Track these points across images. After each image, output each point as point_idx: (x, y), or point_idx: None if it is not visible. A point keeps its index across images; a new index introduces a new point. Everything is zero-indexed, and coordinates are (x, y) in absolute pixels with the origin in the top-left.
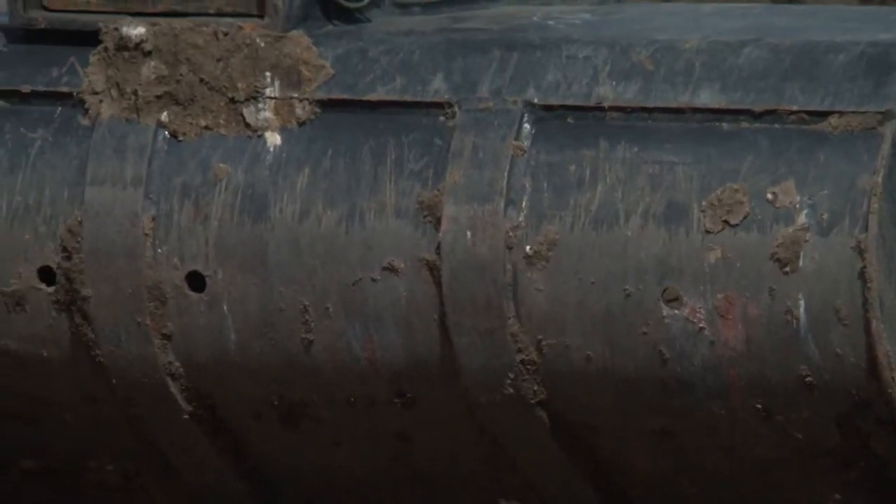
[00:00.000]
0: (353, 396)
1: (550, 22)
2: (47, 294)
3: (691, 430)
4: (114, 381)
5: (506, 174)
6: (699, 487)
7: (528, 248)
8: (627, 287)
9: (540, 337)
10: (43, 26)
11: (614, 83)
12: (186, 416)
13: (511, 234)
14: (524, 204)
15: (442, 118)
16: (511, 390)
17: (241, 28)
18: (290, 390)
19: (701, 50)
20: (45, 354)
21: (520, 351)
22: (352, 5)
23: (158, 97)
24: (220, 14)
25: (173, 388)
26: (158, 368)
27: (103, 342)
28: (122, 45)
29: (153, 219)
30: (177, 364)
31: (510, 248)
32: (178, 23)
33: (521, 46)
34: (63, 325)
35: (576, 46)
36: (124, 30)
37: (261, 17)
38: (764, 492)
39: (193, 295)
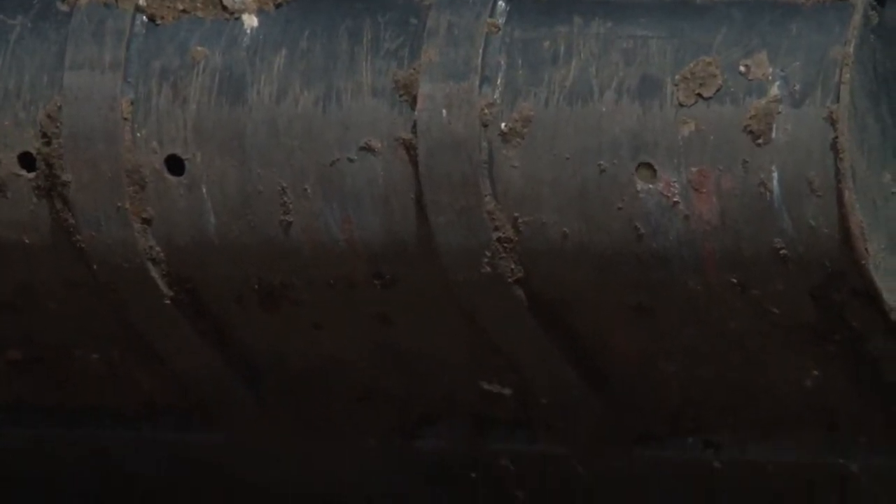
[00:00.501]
0: (332, 278)
1: None
2: (28, 180)
3: (668, 305)
4: (94, 266)
5: (480, 52)
6: (678, 365)
7: (503, 125)
8: (602, 162)
9: (516, 214)
10: None
11: None
12: (168, 301)
13: (486, 111)
14: (499, 81)
15: None
16: (488, 269)
17: None
18: (269, 273)
19: None
20: (27, 241)
21: (496, 229)
22: None
23: None
24: None
25: (154, 272)
26: (139, 253)
27: (83, 227)
28: None
29: (132, 102)
30: (157, 248)
31: (486, 126)
32: None
33: None
34: (44, 211)
35: None
36: None
37: None
38: (742, 368)
39: (172, 178)
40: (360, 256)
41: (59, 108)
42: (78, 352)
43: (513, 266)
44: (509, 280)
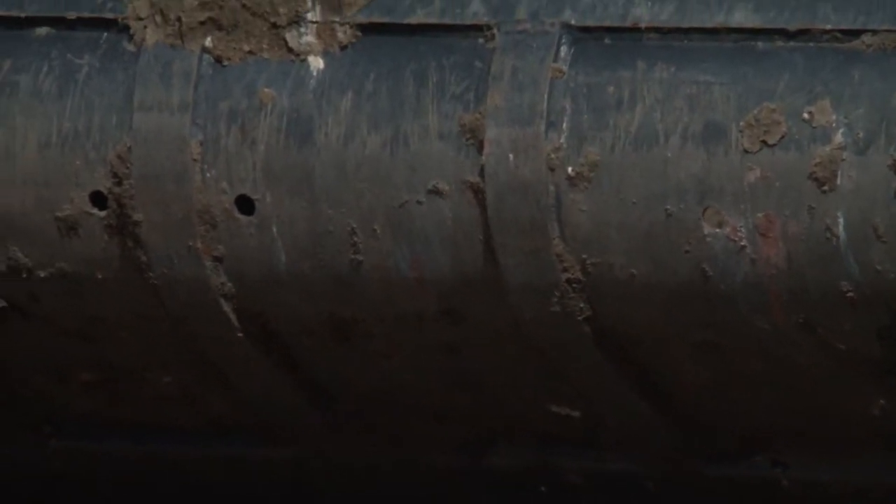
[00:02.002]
0: (402, 313)
1: None
2: (99, 219)
3: (735, 342)
4: (167, 301)
5: (545, 97)
6: (745, 393)
7: (570, 169)
8: (668, 207)
9: (584, 256)
10: None
11: (649, 4)
12: (240, 334)
13: (553, 155)
14: (565, 126)
15: (481, 40)
16: (557, 308)
17: None
18: (340, 308)
19: None
20: (99, 276)
21: (565, 270)
22: None
23: (202, 23)
24: None
25: (226, 307)
26: (211, 289)
27: (156, 265)
28: None
29: (201, 144)
30: (229, 285)
31: (552, 170)
32: None
33: None
34: (115, 249)
35: None
36: None
37: None
38: (810, 396)
39: (243, 218)
40: (429, 294)
41: (129, 149)
42: (149, 375)
43: (581, 305)
44: (578, 318)
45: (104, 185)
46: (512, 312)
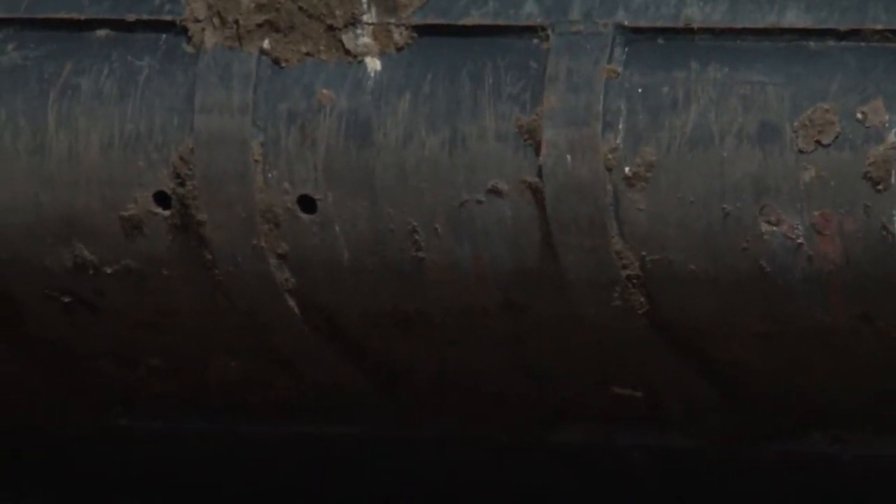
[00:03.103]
0: (465, 307)
1: None
2: (164, 218)
3: (794, 332)
4: (233, 297)
5: (601, 98)
6: (804, 378)
7: (626, 169)
8: (726, 206)
9: (643, 253)
10: None
11: (701, 4)
12: (304, 326)
13: (610, 156)
14: (621, 126)
15: (536, 41)
16: (618, 302)
17: None
18: (403, 301)
19: None
20: (164, 272)
21: (625, 267)
22: None
23: (259, 25)
24: None
25: (290, 301)
26: (275, 285)
27: (220, 263)
28: None
29: (262, 145)
30: (293, 280)
31: (610, 170)
32: None
33: None
34: (180, 246)
35: None
36: None
37: None
38: (868, 380)
39: (305, 217)
40: (491, 289)
41: (192, 150)
42: (215, 361)
43: (641, 300)
44: (638, 312)
45: (167, 185)
46: (573, 306)
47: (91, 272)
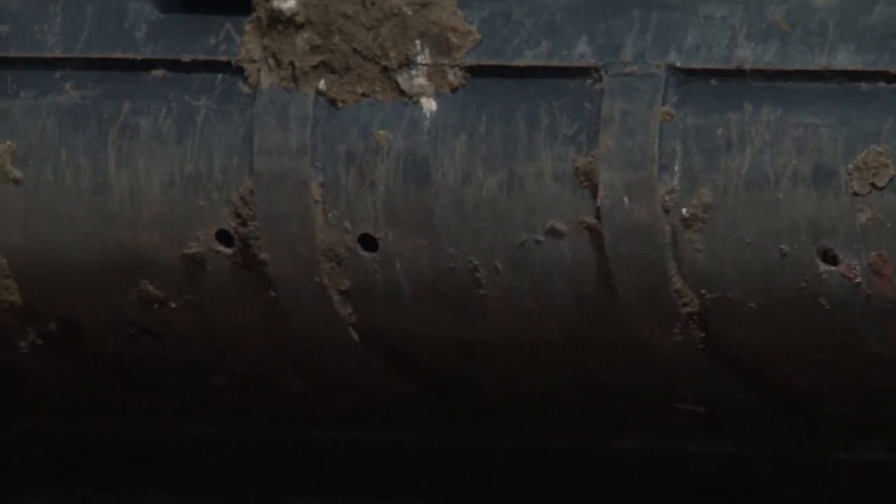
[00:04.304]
0: (526, 339)
1: None
2: (226, 256)
3: (852, 361)
4: (296, 330)
5: (656, 140)
6: (864, 397)
7: (684, 210)
8: (783, 246)
9: (703, 291)
10: None
11: (752, 45)
12: (367, 354)
13: (667, 198)
14: (676, 168)
15: (589, 82)
16: (679, 337)
17: None
18: (465, 333)
19: (833, 9)
20: (228, 307)
21: (684, 305)
22: None
23: (314, 67)
24: None
25: (354, 334)
26: (339, 320)
27: (283, 299)
28: (275, 17)
29: (321, 185)
30: (356, 315)
31: (667, 212)
32: None
33: (658, 6)
34: (244, 283)
35: (711, 5)
36: (275, 3)
37: None
38: None
39: (367, 255)
40: (552, 324)
41: (252, 191)
42: (279, 380)
43: (702, 335)
44: (699, 346)
45: (229, 224)
46: (633, 339)
47: (156, 306)
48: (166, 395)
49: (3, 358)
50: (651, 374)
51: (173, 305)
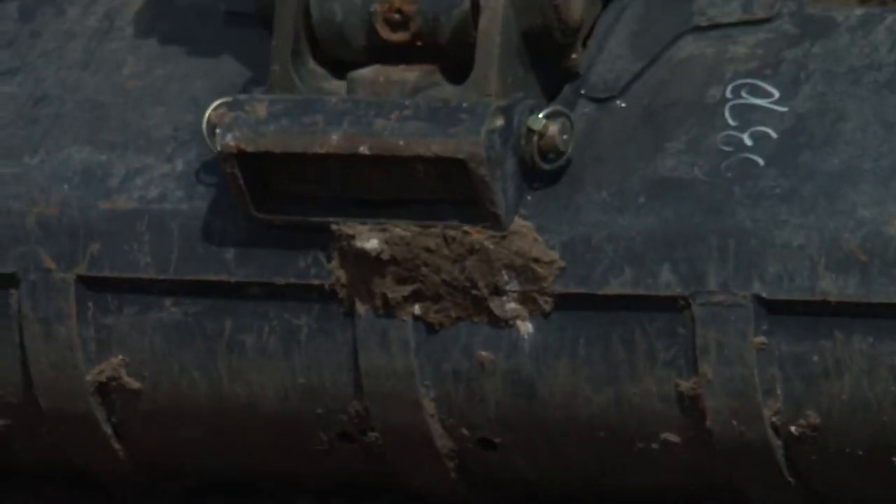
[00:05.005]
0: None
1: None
2: (352, 448)
3: None
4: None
5: (755, 370)
6: None
7: (792, 428)
8: (894, 459)
9: (818, 489)
10: (278, 224)
11: (833, 276)
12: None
13: (774, 419)
14: (779, 392)
15: (679, 308)
16: None
17: (466, 233)
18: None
19: None
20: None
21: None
22: (549, 167)
23: (406, 297)
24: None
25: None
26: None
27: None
28: (360, 255)
29: (433, 400)
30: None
31: (776, 432)
32: (405, 229)
33: (735, 233)
34: (373, 469)
35: (787, 233)
36: (358, 244)
37: (482, 220)
38: None
39: (486, 452)
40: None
41: (366, 408)
42: None
43: None
44: None
45: (348, 428)
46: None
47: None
48: None
49: None
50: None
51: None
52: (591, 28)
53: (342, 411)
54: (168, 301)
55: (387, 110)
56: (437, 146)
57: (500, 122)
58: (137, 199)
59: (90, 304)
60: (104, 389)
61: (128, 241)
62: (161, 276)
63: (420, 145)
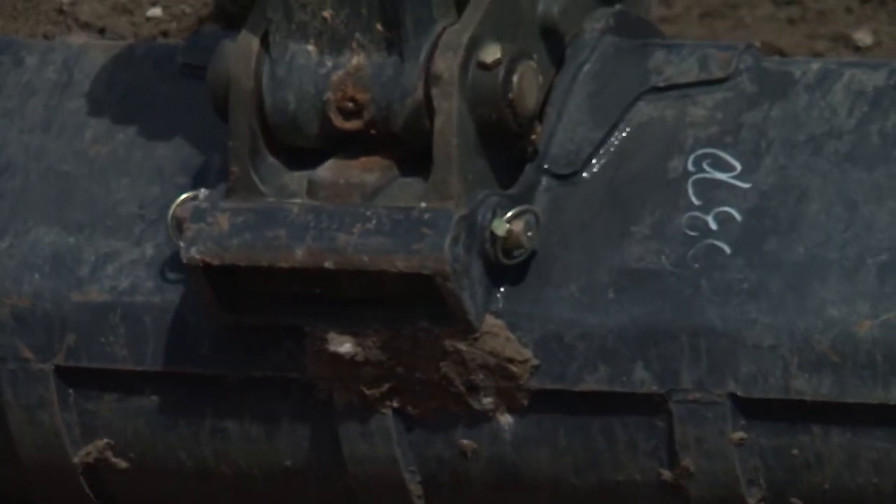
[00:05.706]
0: None
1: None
2: None
3: None
4: None
5: (737, 463)
6: None
7: None
8: None
9: None
10: (247, 323)
11: (807, 376)
12: None
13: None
14: (762, 481)
15: (655, 404)
16: None
17: (438, 336)
18: None
19: (876, 339)
20: None
21: None
22: (511, 262)
23: (384, 392)
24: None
25: None
26: None
27: None
28: (334, 357)
29: (419, 484)
30: None
31: None
32: (376, 332)
33: (705, 332)
34: None
35: (757, 332)
36: (332, 348)
37: (453, 323)
38: None
39: None
40: None
41: (353, 490)
42: None
43: None
44: None
45: None
46: None
47: None
48: None
49: None
50: None
51: None
52: (548, 93)
53: (329, 490)
54: (147, 389)
55: (348, 223)
56: (401, 262)
57: (463, 233)
58: (109, 291)
59: (71, 392)
60: (92, 469)
61: (103, 333)
62: (139, 368)
63: (384, 262)
